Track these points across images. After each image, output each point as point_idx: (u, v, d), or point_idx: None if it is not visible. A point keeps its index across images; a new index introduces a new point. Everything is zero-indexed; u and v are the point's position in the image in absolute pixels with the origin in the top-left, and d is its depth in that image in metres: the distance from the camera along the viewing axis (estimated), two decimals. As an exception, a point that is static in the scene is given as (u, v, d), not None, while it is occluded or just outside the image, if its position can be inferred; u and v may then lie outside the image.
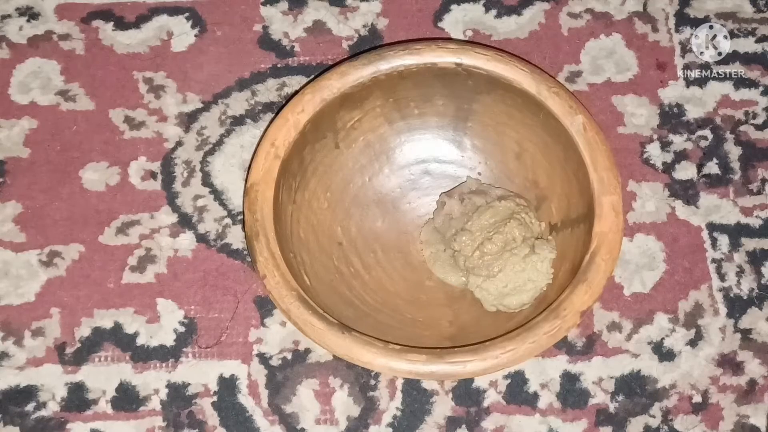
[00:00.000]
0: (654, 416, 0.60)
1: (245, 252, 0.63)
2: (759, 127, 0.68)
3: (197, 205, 0.65)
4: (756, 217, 0.65)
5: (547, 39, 0.70)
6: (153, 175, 0.66)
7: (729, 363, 0.61)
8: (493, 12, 0.71)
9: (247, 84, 0.68)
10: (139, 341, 0.61)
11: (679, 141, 0.67)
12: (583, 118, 0.58)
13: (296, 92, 0.60)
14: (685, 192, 0.66)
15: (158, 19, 0.70)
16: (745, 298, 0.63)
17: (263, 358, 0.61)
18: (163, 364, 0.61)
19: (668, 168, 0.66)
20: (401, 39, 0.69)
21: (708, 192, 0.66)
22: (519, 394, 0.60)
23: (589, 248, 0.55)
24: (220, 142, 0.67)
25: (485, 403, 0.60)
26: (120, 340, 0.61)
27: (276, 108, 0.68)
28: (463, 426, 0.60)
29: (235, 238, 0.64)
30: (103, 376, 0.61)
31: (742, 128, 0.68)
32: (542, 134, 0.60)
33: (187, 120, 0.67)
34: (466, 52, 0.59)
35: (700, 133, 0.67)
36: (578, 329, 0.62)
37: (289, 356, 0.61)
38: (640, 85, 0.69)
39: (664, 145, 0.67)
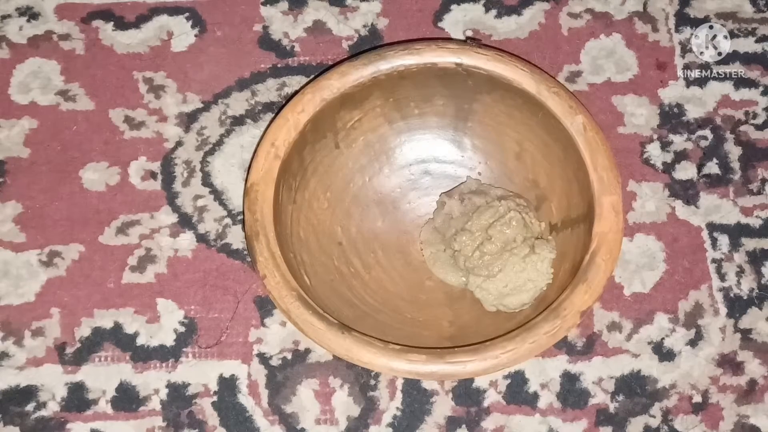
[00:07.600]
0: (654, 416, 0.60)
1: (245, 252, 0.63)
2: (759, 127, 0.68)
3: (197, 205, 0.65)
4: (756, 217, 0.65)
5: (547, 39, 0.70)
6: (153, 175, 0.66)
7: (729, 363, 0.61)
8: (493, 12, 0.71)
9: (247, 84, 0.68)
10: (139, 341, 0.61)
11: (679, 141, 0.67)
12: (583, 118, 0.58)
13: (296, 92, 0.60)
14: (685, 192, 0.66)
15: (158, 19, 0.70)
16: (745, 298, 0.63)
17: (263, 358, 0.61)
18: (163, 364, 0.61)
19: (668, 168, 0.66)
20: (401, 39, 0.69)
21: (708, 192, 0.66)
22: (519, 394, 0.60)
23: (589, 248, 0.55)
24: (220, 142, 0.67)
25: (485, 403, 0.60)
26: (120, 340, 0.61)
27: (276, 108, 0.68)
28: (463, 426, 0.60)
29: (235, 238, 0.64)
30: (103, 376, 0.61)
31: (742, 128, 0.68)
32: (542, 134, 0.60)
33: (187, 120, 0.67)
34: (466, 52, 0.59)
35: (700, 133, 0.67)
36: (578, 329, 0.62)
37: (289, 356, 0.61)
38: (640, 85, 0.69)
39: (664, 145, 0.67)
